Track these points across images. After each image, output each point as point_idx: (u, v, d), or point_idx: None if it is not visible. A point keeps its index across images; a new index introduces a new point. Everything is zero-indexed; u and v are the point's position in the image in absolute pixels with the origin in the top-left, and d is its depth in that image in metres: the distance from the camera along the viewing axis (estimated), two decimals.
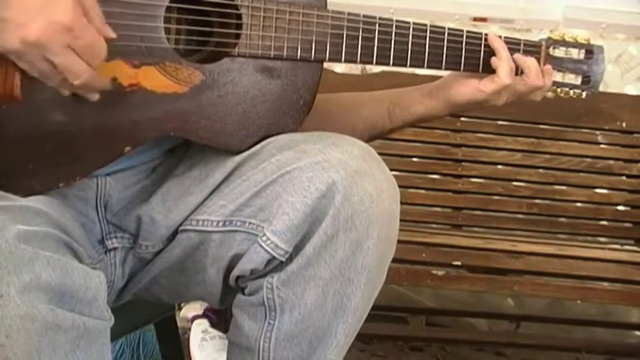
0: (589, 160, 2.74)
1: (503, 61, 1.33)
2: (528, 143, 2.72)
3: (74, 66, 0.99)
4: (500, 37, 1.35)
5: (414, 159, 2.67)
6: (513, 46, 1.36)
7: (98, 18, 1.01)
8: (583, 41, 1.43)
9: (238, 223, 1.16)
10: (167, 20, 1.14)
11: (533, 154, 2.72)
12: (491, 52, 1.34)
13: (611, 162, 2.76)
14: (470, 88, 1.34)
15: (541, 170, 2.72)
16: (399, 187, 1.17)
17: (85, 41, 0.99)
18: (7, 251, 0.90)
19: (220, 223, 1.17)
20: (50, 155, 1.10)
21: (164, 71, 1.14)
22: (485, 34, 1.35)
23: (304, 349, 1.16)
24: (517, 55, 1.34)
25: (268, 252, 1.12)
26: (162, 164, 1.27)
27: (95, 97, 1.06)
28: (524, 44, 1.38)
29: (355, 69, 2.73)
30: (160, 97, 1.14)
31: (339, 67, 2.75)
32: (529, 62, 1.35)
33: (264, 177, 1.13)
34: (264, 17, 1.18)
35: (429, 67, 1.31)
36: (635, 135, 2.77)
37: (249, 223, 1.15)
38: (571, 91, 1.43)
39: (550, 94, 1.41)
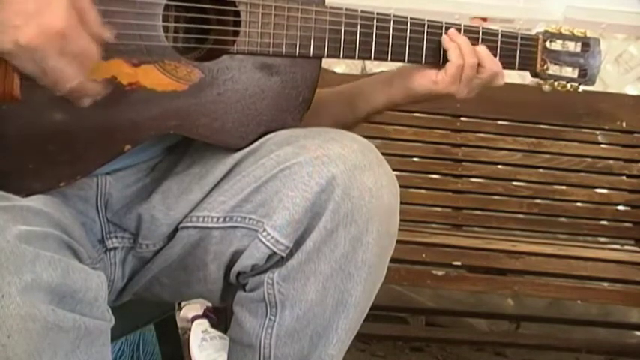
0: (589, 160, 2.74)
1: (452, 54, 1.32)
2: (528, 143, 2.72)
3: (65, 71, 0.97)
4: (459, 30, 1.33)
5: (414, 159, 2.67)
6: (510, 39, 1.36)
7: (93, 21, 0.99)
8: (579, 34, 1.43)
9: (238, 219, 1.16)
10: (165, 18, 1.14)
11: (533, 154, 2.72)
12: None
13: (611, 162, 2.75)
14: (428, 80, 1.33)
15: (541, 170, 2.72)
16: (399, 187, 1.17)
17: (78, 47, 0.97)
18: (8, 251, 0.90)
19: (220, 220, 1.17)
20: (51, 155, 1.10)
21: (163, 69, 1.13)
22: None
23: (305, 344, 1.16)
24: (464, 46, 1.32)
25: (269, 247, 1.12)
26: (162, 162, 1.27)
27: (86, 103, 1.03)
28: (521, 37, 1.38)
29: (355, 69, 2.73)
30: (159, 96, 1.14)
31: (339, 67, 2.75)
32: (480, 50, 1.33)
33: (263, 173, 1.14)
34: (262, 14, 1.18)
35: (427, 62, 1.31)
36: (635, 135, 2.77)
37: (250, 218, 1.15)
38: (568, 84, 1.43)
39: (547, 88, 1.42)
